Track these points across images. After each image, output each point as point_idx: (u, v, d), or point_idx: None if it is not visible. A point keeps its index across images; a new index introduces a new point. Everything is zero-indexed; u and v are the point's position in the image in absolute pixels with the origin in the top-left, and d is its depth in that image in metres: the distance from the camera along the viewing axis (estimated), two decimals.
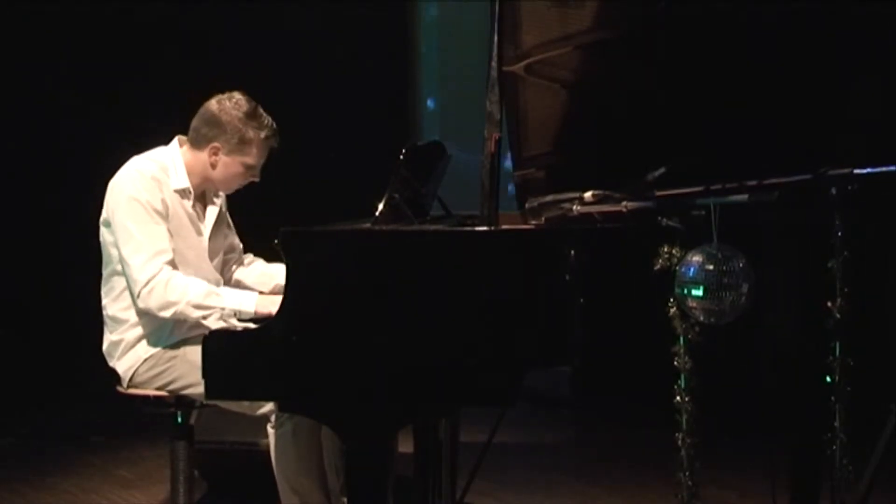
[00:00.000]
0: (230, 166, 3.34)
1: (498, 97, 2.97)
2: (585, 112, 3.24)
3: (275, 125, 3.36)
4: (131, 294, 3.25)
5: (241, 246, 3.67)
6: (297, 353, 2.80)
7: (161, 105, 4.50)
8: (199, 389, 3.04)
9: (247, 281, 3.61)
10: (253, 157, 3.33)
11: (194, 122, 3.38)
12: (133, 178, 3.26)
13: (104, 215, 3.32)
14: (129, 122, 5.30)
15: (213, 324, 3.18)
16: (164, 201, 3.28)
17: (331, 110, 5.99)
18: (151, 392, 3.33)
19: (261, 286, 3.56)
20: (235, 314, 3.18)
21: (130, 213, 3.22)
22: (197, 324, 3.26)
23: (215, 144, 3.32)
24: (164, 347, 3.30)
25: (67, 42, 5.89)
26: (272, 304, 3.04)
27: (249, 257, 3.68)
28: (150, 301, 3.19)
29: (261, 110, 3.35)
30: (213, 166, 3.35)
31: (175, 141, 3.41)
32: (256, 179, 3.40)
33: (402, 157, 3.14)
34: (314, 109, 5.86)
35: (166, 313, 3.19)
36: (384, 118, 6.02)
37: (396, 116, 6.24)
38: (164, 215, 3.27)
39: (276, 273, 3.56)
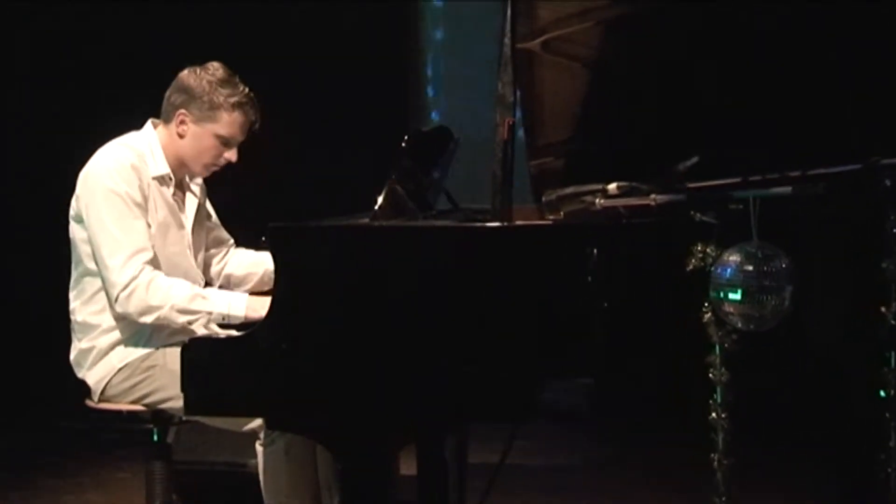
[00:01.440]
0: (200, 138, 3.33)
1: (511, 77, 2.97)
2: (609, 94, 3.24)
3: (252, 94, 3.35)
4: (108, 298, 3.25)
5: (230, 240, 3.67)
6: (286, 363, 2.80)
7: (134, 88, 4.51)
8: (180, 403, 3.04)
9: (237, 273, 3.62)
10: (225, 126, 3.32)
11: (166, 94, 3.39)
12: (110, 168, 3.26)
13: (75, 209, 3.32)
14: (99, 104, 5.32)
15: (199, 329, 3.19)
16: (143, 192, 3.28)
17: (327, 98, 6.01)
18: (125, 406, 3.33)
19: (253, 276, 3.57)
20: (224, 318, 3.19)
21: (108, 207, 3.22)
22: (180, 329, 3.27)
23: (182, 111, 3.33)
24: (141, 356, 3.30)
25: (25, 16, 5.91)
26: (264, 307, 3.05)
27: (239, 250, 3.68)
28: (129, 306, 3.19)
29: (237, 79, 3.35)
30: (182, 136, 3.34)
31: (148, 124, 3.41)
32: (233, 158, 3.37)
33: (403, 144, 3.15)
34: (311, 98, 5.88)
35: (147, 319, 3.20)
36: (385, 106, 6.03)
37: (398, 104, 6.25)
38: (144, 208, 3.28)
39: (264, 259, 3.56)
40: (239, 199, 3.69)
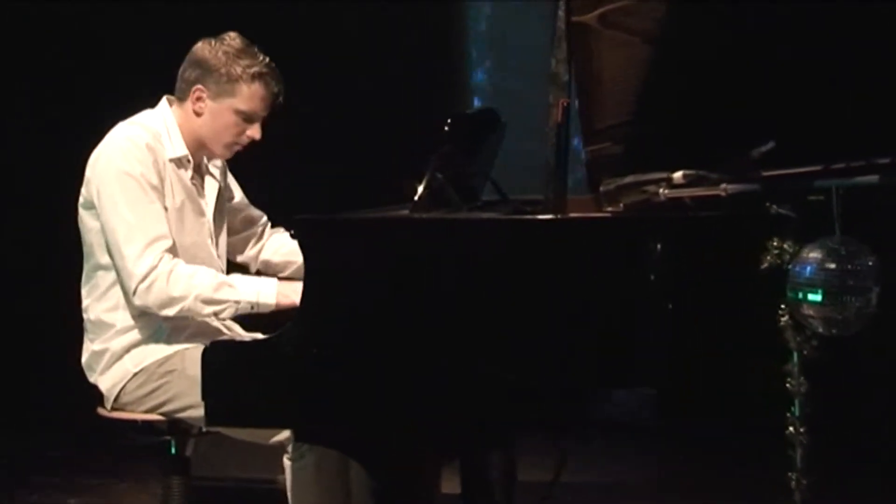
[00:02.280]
0: (219, 114, 3.34)
1: (565, 54, 2.98)
2: (674, 72, 3.23)
3: (273, 64, 3.34)
4: (125, 291, 3.26)
5: (264, 218, 3.68)
6: (316, 369, 2.82)
7: (147, 65, 4.53)
8: (200, 412, 3.06)
9: (275, 259, 3.63)
10: (244, 100, 3.32)
11: (180, 69, 3.39)
12: (123, 149, 3.27)
13: (85, 195, 3.33)
14: (108, 83, 5.36)
15: (225, 320, 3.20)
16: (159, 174, 3.29)
17: (362, 82, 6.03)
18: (141, 415, 3.34)
19: (292, 264, 3.58)
20: (253, 307, 3.19)
21: (122, 191, 3.23)
22: (200, 331, 3.29)
23: (198, 87, 3.33)
24: (159, 360, 3.31)
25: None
26: (295, 293, 3.05)
27: (277, 233, 3.69)
28: (149, 298, 3.20)
29: (256, 49, 3.35)
30: (199, 115, 3.34)
31: (163, 101, 3.42)
32: (257, 136, 3.37)
33: (446, 128, 3.15)
34: (345, 82, 5.90)
35: (170, 311, 3.21)
36: (425, 90, 6.04)
37: (439, 88, 6.25)
38: (161, 191, 3.29)
39: None
40: (266, 190, 3.68)
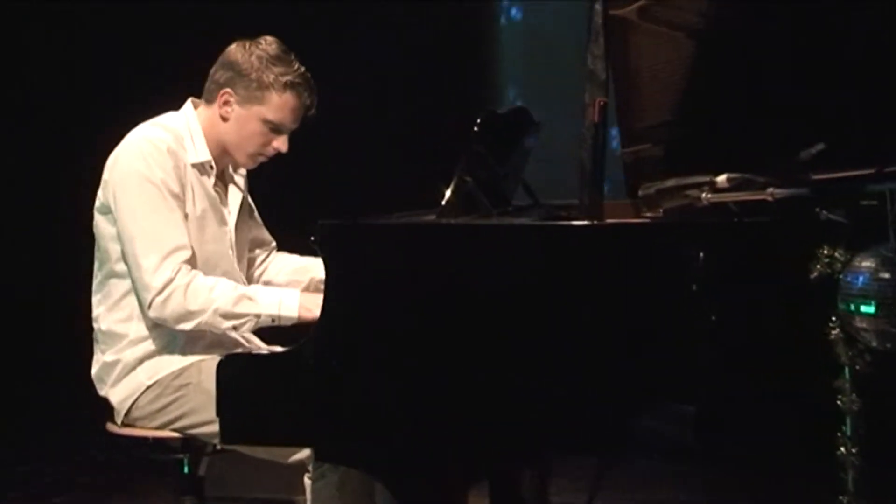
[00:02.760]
0: (245, 121, 3.34)
1: (602, 50, 2.98)
2: (719, 69, 3.22)
3: (308, 75, 3.35)
4: (140, 302, 3.27)
5: (273, 242, 3.70)
6: (338, 384, 2.82)
7: (174, 65, 4.55)
8: (215, 428, 3.06)
9: (278, 280, 3.64)
10: (274, 109, 3.32)
11: (211, 71, 3.40)
12: (144, 152, 3.27)
13: (101, 199, 3.34)
14: (129, 82, 5.38)
15: (245, 334, 3.22)
16: (180, 180, 3.29)
17: (394, 81, 6.04)
18: (153, 432, 3.35)
19: (296, 284, 3.59)
20: (274, 320, 3.21)
21: (141, 197, 3.24)
22: (217, 342, 3.30)
23: (227, 90, 3.34)
24: (173, 372, 3.32)
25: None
26: (318, 306, 3.04)
27: (281, 255, 3.72)
28: (165, 311, 3.21)
29: (293, 57, 3.35)
30: (224, 120, 3.35)
31: (188, 103, 3.43)
32: (283, 148, 3.38)
33: (475, 127, 3.14)
34: (371, 84, 5.92)
35: (187, 325, 3.22)
36: (454, 90, 6.05)
37: (467, 87, 6.27)
38: (182, 199, 3.29)
39: (311, 266, 3.58)
40: (287, 194, 3.69)
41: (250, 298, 3.21)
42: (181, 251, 3.23)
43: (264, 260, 3.68)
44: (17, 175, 6.04)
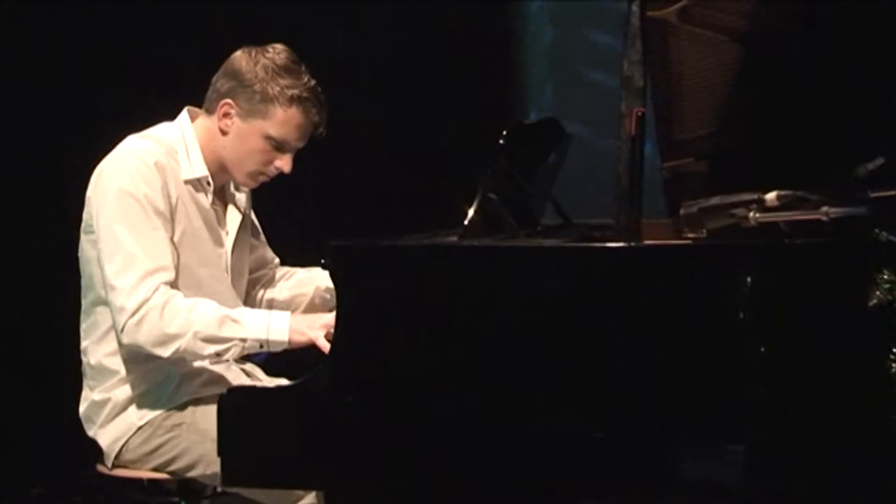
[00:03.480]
0: (246, 136, 3.32)
1: (640, 55, 2.97)
2: (768, 76, 3.21)
3: (318, 90, 3.33)
4: (115, 327, 3.24)
5: (276, 260, 3.69)
6: (352, 420, 2.82)
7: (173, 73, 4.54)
8: (212, 469, 3.07)
9: (281, 297, 3.64)
10: (277, 124, 3.30)
11: (213, 79, 3.39)
12: (129, 166, 3.25)
13: (85, 218, 3.32)
14: (120, 91, 5.37)
15: (227, 369, 3.22)
16: (167, 197, 3.27)
17: (415, 92, 6.04)
18: (146, 473, 3.34)
19: (301, 298, 3.59)
20: (262, 345, 3.18)
21: (120, 213, 3.21)
22: (216, 378, 3.28)
23: (228, 101, 3.32)
24: (167, 410, 3.32)
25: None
26: (311, 328, 3.04)
27: (284, 271, 3.71)
28: (139, 335, 3.16)
29: (303, 68, 3.33)
30: (224, 133, 3.33)
31: (184, 113, 3.41)
32: (286, 168, 3.35)
33: (501, 140, 3.14)
34: (384, 95, 5.92)
35: (164, 351, 3.17)
36: (476, 99, 6.05)
37: (492, 98, 6.27)
38: (168, 218, 3.27)
39: (315, 275, 3.57)
40: (293, 211, 3.68)
41: (235, 321, 3.17)
42: (162, 272, 3.19)
43: (269, 282, 3.67)
44: None
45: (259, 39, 3.36)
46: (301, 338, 3.13)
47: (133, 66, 5.74)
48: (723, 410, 2.81)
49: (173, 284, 3.21)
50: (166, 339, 3.16)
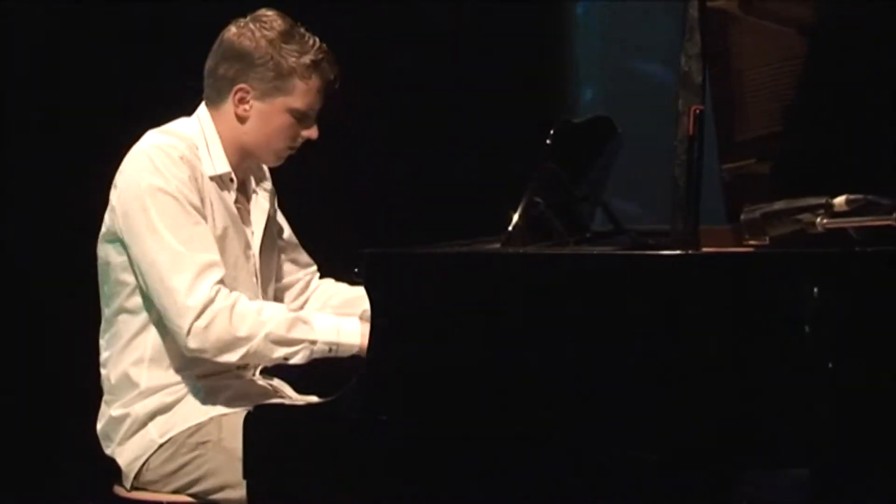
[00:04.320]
0: (269, 116, 3.33)
1: (699, 49, 2.94)
2: (835, 71, 3.21)
3: (325, 46, 3.34)
4: (175, 333, 3.22)
5: (313, 266, 3.69)
6: (386, 440, 2.82)
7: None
8: (239, 493, 3.07)
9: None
10: (300, 96, 3.31)
11: (207, 65, 3.38)
12: (154, 160, 3.25)
13: (108, 224, 3.32)
14: (132, 89, 5.38)
15: (273, 380, 3.24)
16: (199, 192, 3.28)
17: (455, 90, 6.04)
18: (166, 497, 3.34)
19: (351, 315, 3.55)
20: (331, 349, 3.18)
21: (158, 211, 3.21)
22: (243, 393, 3.29)
23: (241, 86, 3.32)
24: (190, 427, 3.31)
25: None
26: None
27: (326, 283, 3.70)
28: (208, 339, 3.17)
29: (301, 28, 3.34)
30: (243, 120, 3.34)
31: (202, 107, 3.42)
32: (314, 136, 3.38)
33: (548, 141, 3.14)
34: (420, 93, 5.92)
35: (231, 356, 3.19)
36: (521, 98, 6.05)
37: (536, 96, 6.27)
38: (203, 212, 3.28)
39: (365, 297, 3.55)
40: (326, 216, 3.67)
41: (305, 322, 3.20)
42: (214, 268, 3.21)
43: (304, 288, 3.66)
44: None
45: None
46: None
47: (141, 64, 5.75)
48: (787, 431, 2.78)
49: (224, 280, 3.23)
50: (236, 343, 3.17)
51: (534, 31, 6.37)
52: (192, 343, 3.18)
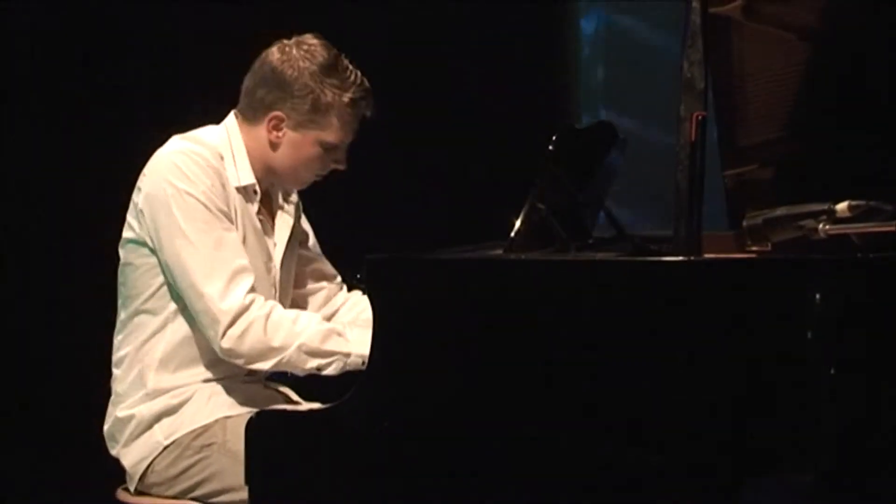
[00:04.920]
0: (301, 146, 3.34)
1: (701, 55, 2.94)
2: (837, 77, 3.20)
3: (366, 83, 3.35)
4: (209, 336, 3.23)
5: (338, 278, 3.68)
6: (390, 447, 2.82)
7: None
8: (244, 496, 3.06)
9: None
10: (335, 132, 3.33)
11: (246, 82, 3.39)
12: (180, 165, 3.25)
13: (135, 230, 3.31)
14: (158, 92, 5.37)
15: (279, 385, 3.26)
16: (226, 202, 3.29)
17: (458, 95, 6.04)
18: (171, 501, 3.33)
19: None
20: (364, 362, 3.14)
21: (186, 216, 3.21)
22: (249, 397, 3.29)
23: (277, 114, 3.32)
24: (195, 429, 3.31)
25: None
26: None
27: (356, 296, 3.68)
28: (243, 347, 3.19)
29: (345, 62, 3.34)
30: (275, 146, 3.35)
31: (231, 117, 3.42)
32: (342, 166, 3.40)
33: (551, 146, 3.12)
34: (429, 90, 5.92)
35: (264, 364, 3.21)
36: (523, 103, 6.04)
37: (538, 102, 6.27)
38: (231, 219, 3.28)
39: None
40: (331, 223, 3.67)
41: (339, 334, 3.21)
42: (246, 273, 3.22)
43: (328, 299, 3.65)
44: None
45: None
46: None
47: (165, 68, 5.74)
48: (789, 437, 2.78)
49: (256, 286, 3.24)
50: (270, 353, 3.19)
51: (539, 39, 6.37)
52: (226, 345, 3.20)
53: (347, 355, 3.17)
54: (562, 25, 6.58)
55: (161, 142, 3.36)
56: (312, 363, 3.18)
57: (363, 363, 3.13)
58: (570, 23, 6.65)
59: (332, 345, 3.18)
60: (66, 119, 5.49)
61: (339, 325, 3.26)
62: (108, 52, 5.68)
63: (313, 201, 3.64)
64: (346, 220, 5.03)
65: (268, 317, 3.18)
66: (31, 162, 5.41)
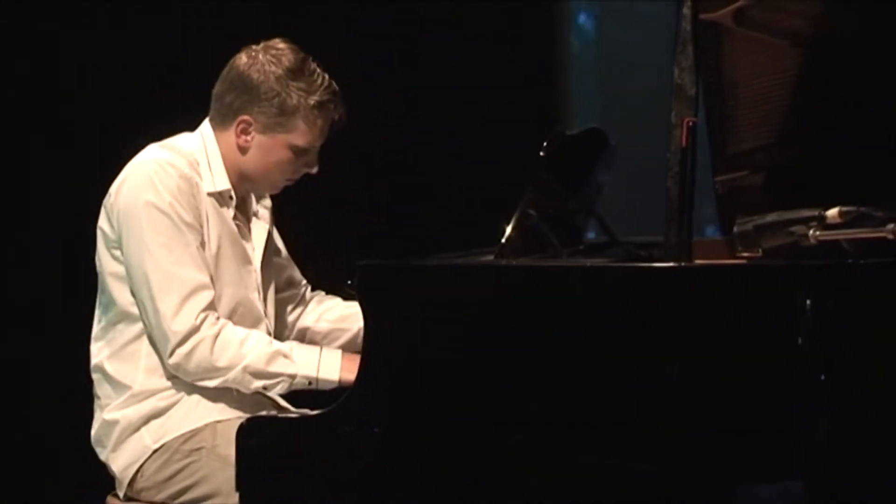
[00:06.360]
0: (269, 150, 3.33)
1: (692, 61, 2.93)
2: (829, 84, 3.20)
3: (334, 85, 3.34)
4: (158, 351, 3.25)
5: (303, 281, 3.68)
6: (381, 453, 2.81)
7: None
8: (233, 501, 3.05)
9: (318, 327, 3.64)
10: (302, 135, 3.31)
11: (216, 88, 3.38)
12: (152, 176, 3.25)
13: (107, 232, 3.32)
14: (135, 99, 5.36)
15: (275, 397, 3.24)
16: (195, 210, 3.28)
17: (448, 101, 6.04)
18: None
19: (341, 333, 3.60)
20: (310, 383, 3.21)
21: (150, 229, 3.22)
22: (239, 401, 3.28)
23: (245, 118, 3.32)
24: (185, 433, 3.30)
25: None
26: None
27: (320, 296, 3.70)
28: (189, 365, 3.21)
29: (312, 65, 3.33)
30: (244, 150, 3.35)
31: (206, 124, 3.41)
32: (313, 170, 3.39)
33: (542, 152, 3.13)
34: (419, 97, 5.92)
35: (210, 382, 3.23)
36: (514, 108, 6.04)
37: (531, 108, 6.26)
38: (198, 230, 3.28)
39: (359, 313, 3.52)
40: (319, 229, 3.65)
41: (286, 356, 3.22)
42: (202, 291, 3.22)
43: (300, 301, 3.66)
44: None
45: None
46: (352, 377, 3.09)
47: (147, 70, 5.73)
48: (781, 443, 2.77)
49: (212, 304, 3.25)
50: (215, 373, 3.21)
51: (530, 45, 6.37)
52: (172, 361, 3.22)
53: (293, 377, 3.20)
54: (553, 32, 6.59)
55: (140, 146, 3.36)
56: (258, 384, 3.21)
57: (309, 383, 3.20)
58: (561, 29, 6.66)
59: (277, 366, 3.20)
60: (46, 122, 5.49)
61: (287, 346, 3.26)
62: (101, 53, 5.69)
63: (303, 208, 3.64)
64: (336, 226, 5.03)
65: (216, 337, 3.20)
66: (9, 165, 5.43)
